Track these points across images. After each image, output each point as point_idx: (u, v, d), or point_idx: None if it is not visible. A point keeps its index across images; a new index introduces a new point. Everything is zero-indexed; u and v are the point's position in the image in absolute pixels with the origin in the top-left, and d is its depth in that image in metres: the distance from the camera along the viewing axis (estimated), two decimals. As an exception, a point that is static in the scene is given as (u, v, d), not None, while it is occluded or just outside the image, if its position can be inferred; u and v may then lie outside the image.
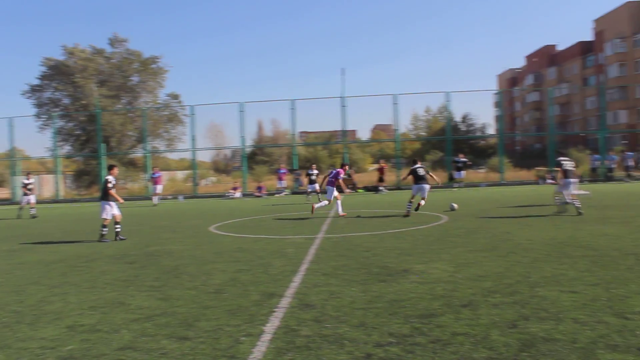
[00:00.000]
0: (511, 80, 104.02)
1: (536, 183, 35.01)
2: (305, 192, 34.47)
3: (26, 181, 23.14)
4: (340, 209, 17.26)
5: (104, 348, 4.99)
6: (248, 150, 45.49)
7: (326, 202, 17.73)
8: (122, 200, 13.44)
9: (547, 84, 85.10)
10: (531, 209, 17.14)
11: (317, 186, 27.21)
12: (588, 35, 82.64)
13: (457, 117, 72.31)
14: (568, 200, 15.20)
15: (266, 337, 5.09)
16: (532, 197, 22.43)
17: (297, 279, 7.59)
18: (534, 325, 5.11)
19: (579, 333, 4.85)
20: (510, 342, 4.68)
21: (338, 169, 18.25)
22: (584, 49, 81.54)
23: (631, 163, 34.57)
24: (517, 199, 21.82)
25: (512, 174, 41.06)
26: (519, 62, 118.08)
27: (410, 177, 17.13)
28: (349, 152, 40.01)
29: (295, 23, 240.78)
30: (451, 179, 33.83)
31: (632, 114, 68.53)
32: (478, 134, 67.73)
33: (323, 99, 49.56)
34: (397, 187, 34.08)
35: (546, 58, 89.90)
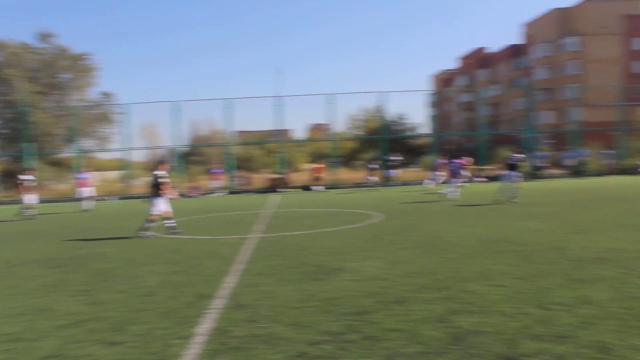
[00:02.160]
0: (445, 81, 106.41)
1: (468, 181, 35.92)
2: (246, 192, 34.30)
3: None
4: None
5: (27, 358, 4.81)
6: (183, 150, 44.79)
7: (451, 189, 21.06)
8: (177, 196, 13.27)
9: (479, 85, 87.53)
10: (462, 206, 17.59)
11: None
12: (518, 39, 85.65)
13: (392, 117, 73.48)
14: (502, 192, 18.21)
15: (198, 339, 5.03)
16: (463, 194, 22.99)
17: (231, 280, 7.53)
18: (463, 319, 5.26)
19: (505, 325, 5.02)
20: (440, 336, 4.80)
21: (461, 161, 22.55)
22: (514, 52, 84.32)
23: (542, 164, 35.89)
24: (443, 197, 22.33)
25: (445, 172, 41.99)
26: (453, 64, 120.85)
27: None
28: (285, 152, 39.96)
29: (231, 22, 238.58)
30: (386, 178, 34.32)
31: (557, 114, 71.35)
32: (412, 133, 68.99)
33: (259, 98, 49.42)
34: (334, 186, 34.29)
35: (478, 60, 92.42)
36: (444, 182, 26.09)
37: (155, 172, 13.42)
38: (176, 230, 13.32)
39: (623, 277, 6.71)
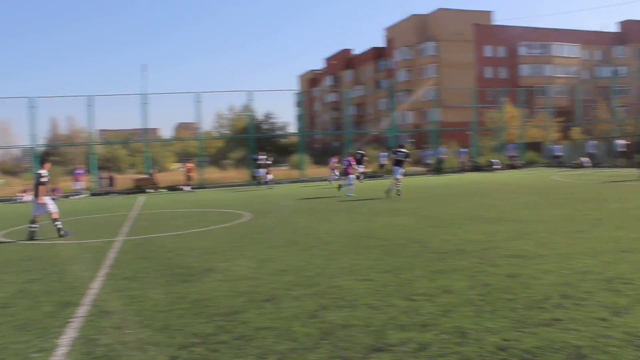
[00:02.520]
0: (311, 81, 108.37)
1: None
2: (104, 193, 32.81)
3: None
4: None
5: None
6: (40, 149, 42.08)
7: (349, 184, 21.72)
8: (44, 200, 12.38)
9: (344, 85, 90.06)
10: (330, 203, 18.01)
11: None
12: (381, 42, 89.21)
13: (261, 116, 73.80)
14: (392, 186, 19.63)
15: (61, 350, 4.76)
16: (331, 192, 23.53)
17: (95, 286, 7.19)
18: (332, 314, 5.39)
19: (372, 317, 5.22)
20: (311, 332, 4.89)
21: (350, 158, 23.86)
22: (377, 54, 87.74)
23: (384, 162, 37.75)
24: (317, 194, 22.78)
25: (312, 170, 42.81)
26: (319, 64, 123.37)
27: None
28: (151, 151, 38.74)
29: (95, 18, 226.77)
30: (254, 177, 34.36)
31: (417, 114, 75.16)
32: (280, 132, 69.58)
33: (123, 95, 47.82)
34: (202, 186, 33.77)
35: (343, 61, 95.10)
36: (338, 179, 27.17)
37: (39, 171, 12.66)
38: (35, 237, 12.37)
39: (478, 266, 7.22)
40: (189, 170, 32.77)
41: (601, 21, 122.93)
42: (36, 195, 12.50)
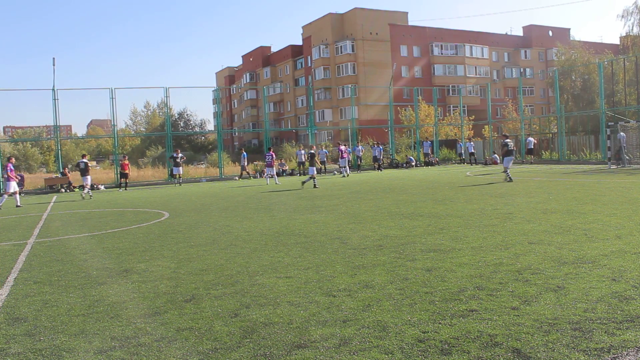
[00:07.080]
0: (229, 78, 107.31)
1: (254, 177, 36.64)
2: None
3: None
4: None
5: None
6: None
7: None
8: None
9: (262, 83, 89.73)
10: (249, 202, 17.93)
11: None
12: (298, 40, 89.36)
13: (177, 113, 72.49)
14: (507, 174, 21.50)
15: (-34, 360, 4.52)
16: (249, 190, 23.44)
17: (3, 291, 6.84)
18: (254, 312, 5.38)
19: (294, 314, 5.24)
20: (233, 331, 4.85)
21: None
22: (295, 52, 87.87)
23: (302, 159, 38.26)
24: (236, 192, 22.61)
25: (231, 168, 42.44)
26: (237, 61, 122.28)
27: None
28: (64, 149, 37.14)
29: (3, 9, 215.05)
30: (171, 175, 33.74)
31: (335, 112, 75.88)
32: (198, 130, 68.60)
33: (33, 90, 45.76)
34: (118, 185, 32.78)
35: (261, 58, 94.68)
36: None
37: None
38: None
39: (396, 261, 7.38)
40: (123, 168, 30.92)
41: (509, 25, 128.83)
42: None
